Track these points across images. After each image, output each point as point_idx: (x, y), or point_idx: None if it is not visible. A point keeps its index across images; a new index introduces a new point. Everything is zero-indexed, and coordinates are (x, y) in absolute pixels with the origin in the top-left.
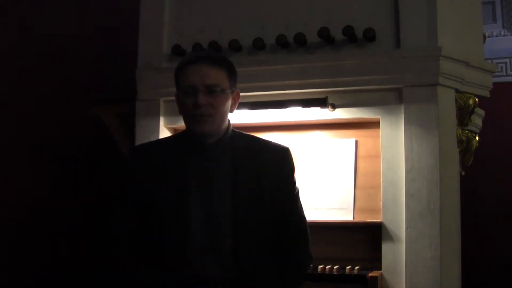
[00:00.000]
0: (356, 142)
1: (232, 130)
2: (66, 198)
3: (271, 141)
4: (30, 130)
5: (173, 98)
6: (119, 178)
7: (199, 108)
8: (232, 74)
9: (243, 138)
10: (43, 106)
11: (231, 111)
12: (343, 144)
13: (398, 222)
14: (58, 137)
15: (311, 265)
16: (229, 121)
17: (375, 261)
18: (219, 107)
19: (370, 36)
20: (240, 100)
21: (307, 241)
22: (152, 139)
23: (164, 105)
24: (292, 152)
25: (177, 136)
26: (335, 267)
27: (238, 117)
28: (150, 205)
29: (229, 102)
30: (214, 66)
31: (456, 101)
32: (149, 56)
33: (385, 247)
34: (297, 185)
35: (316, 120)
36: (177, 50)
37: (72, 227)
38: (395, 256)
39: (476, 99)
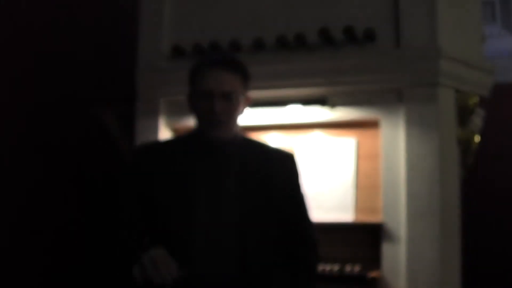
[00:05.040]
0: (356, 142)
1: (241, 134)
2: (65, 198)
3: (277, 148)
4: (29, 130)
5: (173, 98)
6: (123, 176)
7: (215, 114)
8: (246, 79)
9: (251, 142)
10: (43, 107)
11: (241, 113)
12: (343, 144)
13: (398, 222)
14: (58, 137)
15: None
16: (238, 125)
17: (375, 261)
18: (234, 113)
19: (370, 36)
20: None
21: (315, 246)
22: (152, 139)
23: (164, 105)
24: (292, 152)
25: (184, 137)
26: (335, 267)
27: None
28: (155, 205)
29: (242, 107)
30: (231, 72)
31: (456, 101)
32: (149, 56)
33: (385, 247)
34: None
35: (316, 120)
36: (177, 50)
37: (71, 227)
38: (395, 256)
39: (476, 99)
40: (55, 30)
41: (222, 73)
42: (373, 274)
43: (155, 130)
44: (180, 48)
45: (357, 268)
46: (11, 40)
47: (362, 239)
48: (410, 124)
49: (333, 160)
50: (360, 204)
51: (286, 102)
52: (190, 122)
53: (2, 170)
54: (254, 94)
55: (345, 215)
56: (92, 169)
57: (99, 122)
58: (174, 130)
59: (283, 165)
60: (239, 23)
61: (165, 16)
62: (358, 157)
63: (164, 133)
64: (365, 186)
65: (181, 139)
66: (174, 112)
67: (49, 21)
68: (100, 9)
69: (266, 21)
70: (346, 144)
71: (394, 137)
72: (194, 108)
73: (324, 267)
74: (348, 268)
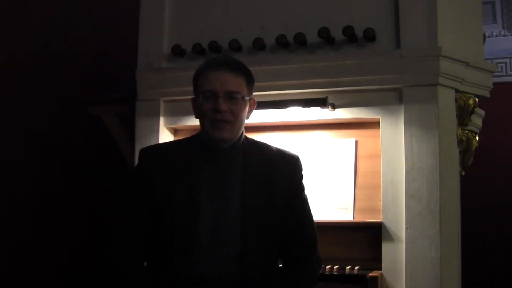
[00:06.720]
0: (356, 142)
1: (245, 136)
2: (65, 198)
3: (282, 149)
4: (29, 130)
5: (173, 98)
6: (129, 176)
7: (219, 113)
8: (250, 82)
9: (255, 145)
10: (43, 107)
11: (247, 118)
12: (343, 144)
13: (398, 222)
14: (58, 137)
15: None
16: (243, 128)
17: (375, 261)
18: (239, 114)
19: (370, 36)
20: None
21: (316, 247)
22: (152, 139)
23: (164, 105)
24: (296, 154)
25: (189, 139)
26: (335, 267)
27: None
28: (160, 206)
29: (247, 109)
30: (235, 73)
31: (456, 101)
32: (149, 56)
33: (385, 247)
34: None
35: (316, 120)
36: (177, 50)
37: (72, 226)
38: (395, 256)
39: (476, 99)
40: (55, 30)
41: (226, 73)
42: (373, 274)
43: (155, 130)
44: (180, 48)
45: (357, 268)
46: (11, 40)
47: (362, 239)
48: (410, 124)
49: (333, 160)
50: (360, 204)
51: (286, 103)
52: (190, 122)
53: (2, 170)
54: (253, 95)
55: (345, 215)
56: (92, 169)
57: (99, 122)
58: (174, 130)
59: (287, 167)
60: (239, 23)
61: (165, 16)
62: (358, 157)
63: (164, 133)
64: (365, 186)
65: (185, 142)
66: (174, 112)
67: (49, 21)
68: (100, 9)
69: (266, 21)
70: (346, 144)
71: (394, 137)
72: (198, 110)
73: (324, 267)
74: (348, 268)
